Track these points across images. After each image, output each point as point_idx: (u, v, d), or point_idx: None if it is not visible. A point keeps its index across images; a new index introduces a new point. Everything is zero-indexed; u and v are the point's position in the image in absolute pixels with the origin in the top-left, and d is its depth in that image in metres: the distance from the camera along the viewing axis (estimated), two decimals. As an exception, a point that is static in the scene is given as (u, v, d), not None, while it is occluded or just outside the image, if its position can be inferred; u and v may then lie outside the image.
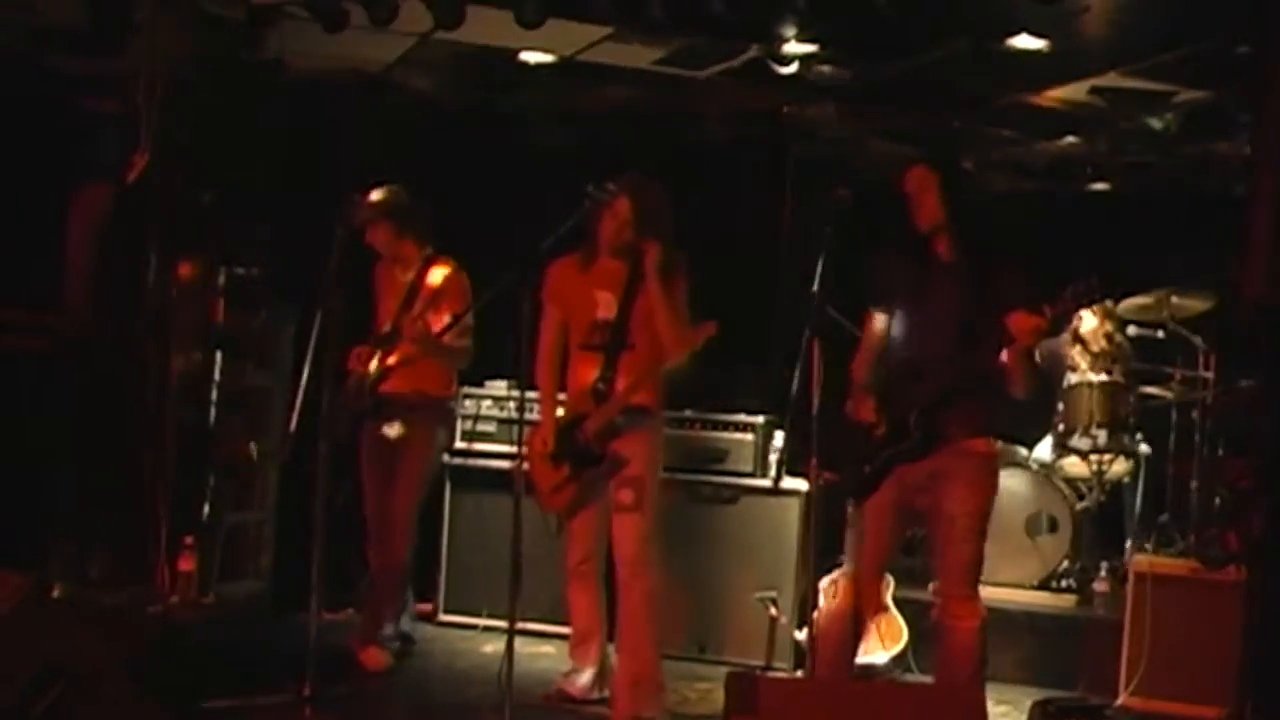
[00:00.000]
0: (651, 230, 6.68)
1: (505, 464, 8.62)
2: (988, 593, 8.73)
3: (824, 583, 6.54)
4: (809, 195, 6.17)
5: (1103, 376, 9.09)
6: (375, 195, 7.88)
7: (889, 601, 7.86)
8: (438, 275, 7.79)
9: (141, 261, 7.71)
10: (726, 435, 8.67)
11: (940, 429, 6.03)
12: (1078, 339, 9.41)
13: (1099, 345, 9.31)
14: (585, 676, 7.06)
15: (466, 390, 9.08)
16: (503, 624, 6.37)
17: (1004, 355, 5.95)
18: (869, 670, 7.84)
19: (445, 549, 9.10)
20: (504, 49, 8.82)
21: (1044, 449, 9.51)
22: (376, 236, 7.89)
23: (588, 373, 6.81)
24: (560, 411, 7.01)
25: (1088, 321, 9.40)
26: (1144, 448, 9.25)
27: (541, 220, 6.27)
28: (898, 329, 6.20)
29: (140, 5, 7.69)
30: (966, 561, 6.20)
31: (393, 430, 7.85)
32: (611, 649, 7.10)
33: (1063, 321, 5.87)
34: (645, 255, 6.66)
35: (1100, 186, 11.13)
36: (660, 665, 6.80)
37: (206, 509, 7.95)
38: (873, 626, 7.82)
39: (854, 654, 6.44)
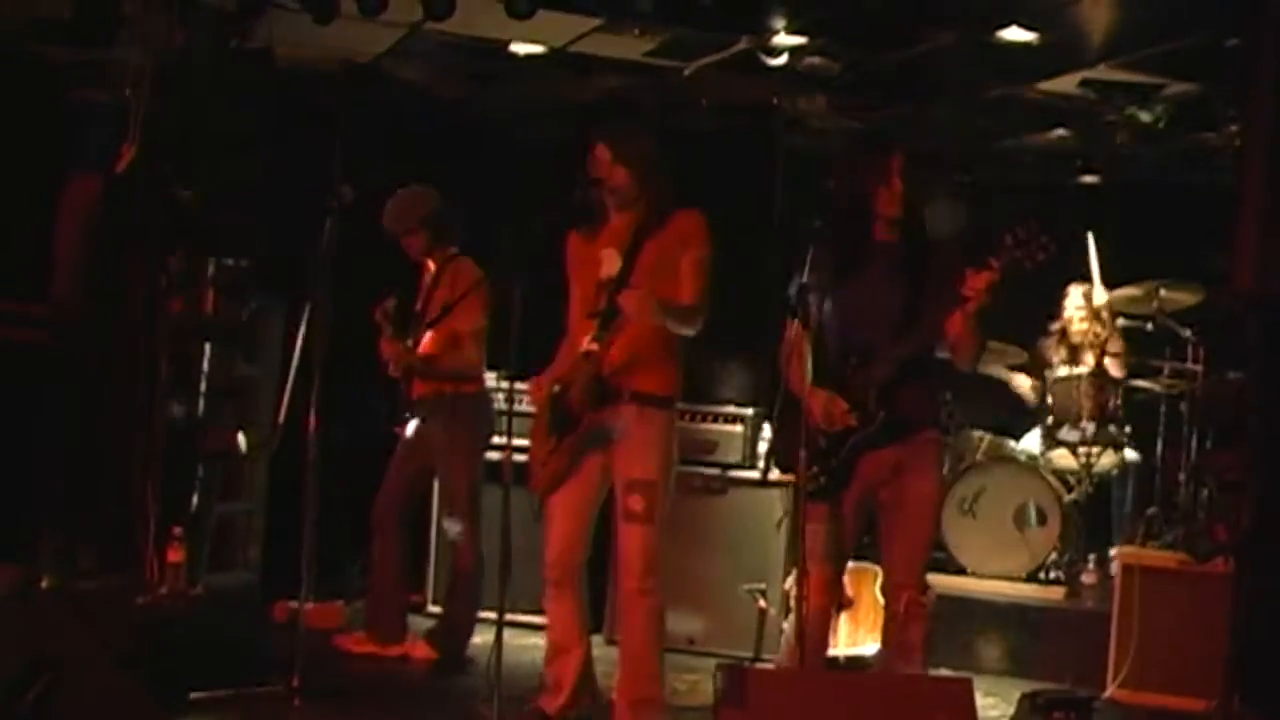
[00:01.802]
0: (647, 170, 6.30)
1: (494, 455, 8.62)
2: (976, 585, 8.80)
3: (789, 584, 6.38)
4: (798, 187, 6.11)
5: (1090, 369, 9.11)
6: (412, 201, 7.94)
7: (877, 593, 7.86)
8: (451, 280, 7.84)
9: (130, 252, 7.70)
10: (716, 427, 8.67)
11: (902, 411, 5.89)
12: (1064, 333, 9.44)
13: (1090, 337, 9.34)
14: (561, 698, 6.45)
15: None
16: (492, 615, 6.36)
17: (951, 325, 5.80)
18: (858, 661, 7.85)
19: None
20: (494, 40, 8.83)
21: (1032, 441, 9.53)
22: (410, 244, 7.98)
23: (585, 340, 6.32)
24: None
25: (1076, 321, 9.42)
26: (1125, 434, 9.26)
27: (531, 213, 6.25)
28: (833, 313, 5.93)
29: (128, -5, 7.70)
30: (929, 552, 6.17)
31: (408, 429, 7.94)
32: (600, 658, 6.74)
33: (1013, 267, 5.67)
34: (679, 222, 6.27)
35: (1090, 178, 11.14)
36: (663, 683, 6.49)
37: (195, 500, 7.93)
38: (845, 618, 7.85)
39: (824, 652, 6.31)
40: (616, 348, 6.19)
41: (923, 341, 5.89)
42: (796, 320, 5.59)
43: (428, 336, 7.81)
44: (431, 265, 8.00)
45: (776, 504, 8.28)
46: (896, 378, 5.85)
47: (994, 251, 5.63)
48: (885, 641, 6.22)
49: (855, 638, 7.97)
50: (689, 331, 6.29)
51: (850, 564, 7.71)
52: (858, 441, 5.86)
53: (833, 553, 5.93)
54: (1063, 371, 9.25)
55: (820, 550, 5.87)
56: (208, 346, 8.12)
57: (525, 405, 6.56)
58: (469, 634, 8.02)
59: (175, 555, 7.35)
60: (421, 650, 7.98)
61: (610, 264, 6.32)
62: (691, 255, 6.22)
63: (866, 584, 7.86)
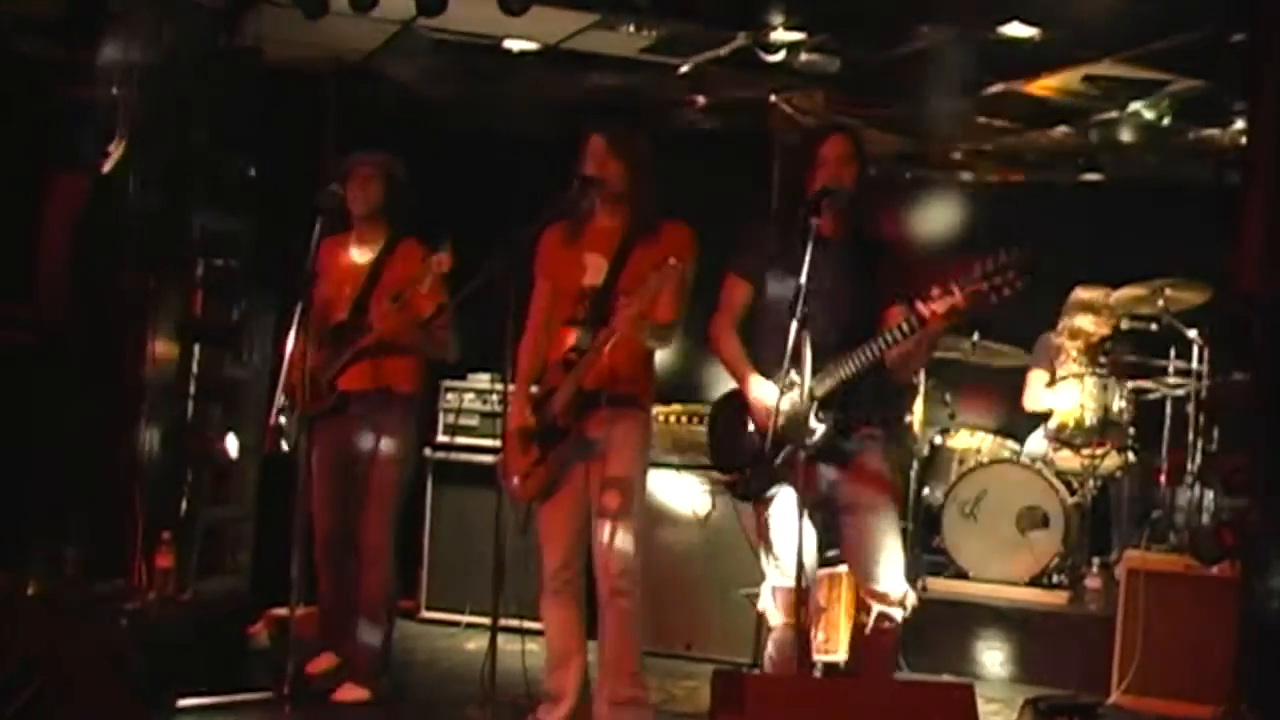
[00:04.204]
0: (639, 168, 6.29)
1: (488, 458, 8.63)
2: (977, 589, 8.81)
3: (762, 603, 6.34)
4: (796, 185, 6.10)
5: (1096, 370, 9.11)
6: (394, 159, 7.55)
7: (846, 600, 7.79)
8: (413, 258, 7.25)
9: (117, 253, 7.70)
10: (711, 429, 8.67)
11: (845, 422, 5.92)
12: (1073, 334, 9.42)
13: (1094, 341, 9.32)
14: (563, 708, 6.41)
15: (448, 384, 9.10)
16: (486, 621, 6.36)
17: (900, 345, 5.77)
18: (831, 669, 7.80)
19: (427, 545, 9.12)
20: (487, 37, 8.83)
21: (1036, 442, 9.53)
22: (358, 193, 7.38)
23: (565, 347, 6.34)
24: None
25: (1083, 320, 9.40)
26: (1130, 435, 9.24)
27: (525, 211, 6.27)
28: (774, 309, 5.89)
29: (116, -9, 7.71)
30: (899, 550, 6.05)
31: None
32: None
33: (977, 300, 5.64)
34: (672, 237, 6.25)
35: (1093, 176, 11.15)
36: (645, 685, 6.45)
37: (184, 504, 7.92)
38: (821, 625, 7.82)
39: (810, 661, 6.30)
40: (599, 361, 6.19)
41: (864, 362, 5.85)
42: (794, 321, 5.58)
43: (384, 311, 7.21)
44: (359, 235, 7.48)
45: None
46: (843, 391, 5.88)
47: (961, 278, 5.59)
48: (853, 652, 6.21)
49: (827, 646, 7.86)
50: (663, 347, 6.36)
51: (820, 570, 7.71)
52: (795, 452, 5.77)
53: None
54: (1067, 371, 9.25)
55: (781, 561, 5.91)
56: (197, 348, 8.10)
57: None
58: (385, 658, 7.51)
59: (164, 560, 7.35)
60: (352, 693, 7.28)
61: (595, 272, 6.33)
62: (676, 273, 6.12)
63: (838, 589, 7.75)
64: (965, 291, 5.58)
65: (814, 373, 5.74)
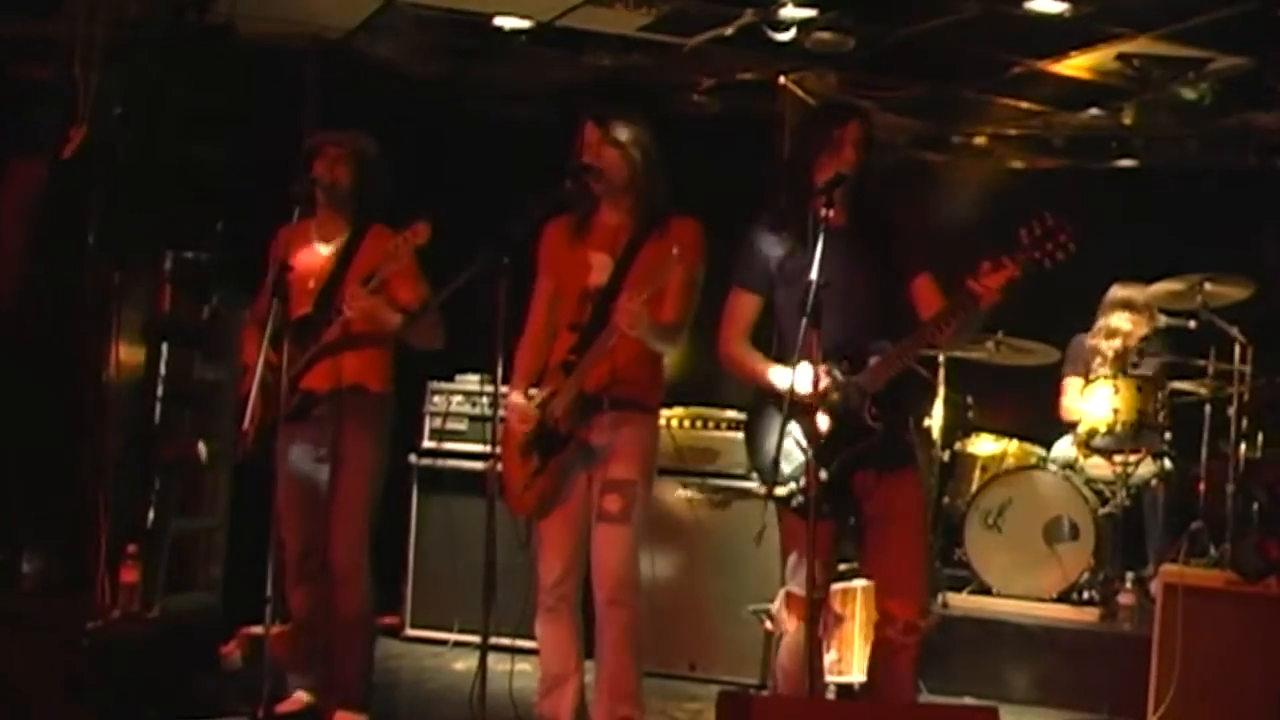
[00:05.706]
0: (639, 156, 6.26)
1: (477, 465, 8.61)
2: (1002, 605, 8.79)
3: (775, 606, 6.30)
4: (800, 168, 6.08)
5: (1130, 370, 9.09)
6: (344, 133, 7.30)
7: (860, 615, 7.73)
8: (385, 243, 6.92)
9: (79, 244, 7.68)
10: (718, 434, 8.65)
11: (896, 419, 5.90)
12: (1110, 334, 9.39)
13: (1132, 342, 9.30)
14: None
15: (435, 385, 9.08)
16: (475, 639, 6.34)
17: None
18: (845, 691, 7.73)
19: (412, 557, 9.10)
20: (477, 14, 8.82)
21: (1064, 448, 9.51)
22: (325, 175, 7.13)
23: (566, 349, 6.33)
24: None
25: (1121, 319, 9.38)
26: (1166, 441, 9.22)
27: (517, 200, 6.23)
28: (790, 308, 5.82)
29: (77, -37, 7.69)
30: (925, 563, 6.09)
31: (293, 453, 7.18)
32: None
33: (1031, 268, 5.63)
34: (678, 230, 6.23)
35: (1127, 163, 11.13)
36: (643, 703, 6.42)
37: (151, 514, 7.91)
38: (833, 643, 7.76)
39: (821, 678, 6.27)
40: (603, 363, 6.17)
41: (919, 348, 5.88)
42: (805, 320, 5.54)
43: (354, 293, 6.86)
44: (322, 223, 7.21)
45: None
46: (892, 386, 5.85)
47: (1009, 249, 5.58)
48: (871, 670, 6.19)
49: (840, 667, 7.80)
50: (668, 349, 6.32)
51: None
52: (853, 456, 5.79)
53: (818, 572, 5.80)
54: (1099, 372, 9.24)
55: (804, 570, 5.86)
56: (165, 347, 8.09)
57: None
58: (369, 680, 7.33)
59: (129, 575, 7.33)
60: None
61: (601, 272, 6.31)
62: (682, 270, 6.15)
63: (852, 604, 7.68)
64: (1018, 260, 5.57)
65: (857, 368, 5.79)
